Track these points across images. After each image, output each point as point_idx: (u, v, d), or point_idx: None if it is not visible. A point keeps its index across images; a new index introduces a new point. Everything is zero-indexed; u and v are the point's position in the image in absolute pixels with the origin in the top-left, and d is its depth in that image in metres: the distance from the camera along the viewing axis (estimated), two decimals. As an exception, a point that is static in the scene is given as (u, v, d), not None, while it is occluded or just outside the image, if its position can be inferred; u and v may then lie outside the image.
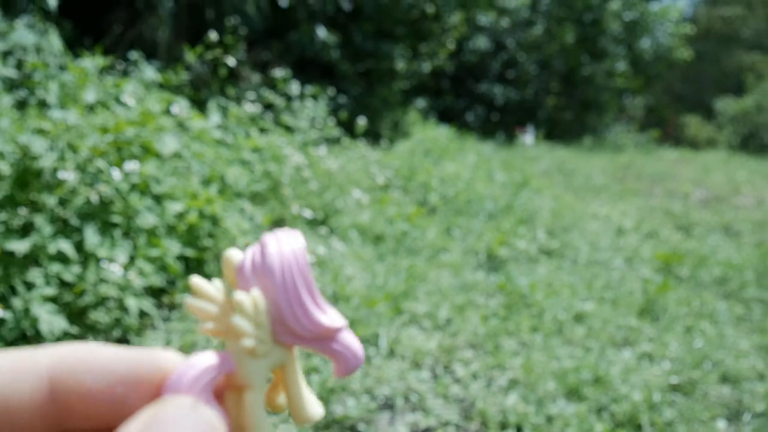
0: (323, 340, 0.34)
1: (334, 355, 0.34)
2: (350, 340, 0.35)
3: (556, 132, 15.51)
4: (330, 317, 0.34)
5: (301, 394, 0.35)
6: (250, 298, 0.31)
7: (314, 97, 5.24)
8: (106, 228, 2.47)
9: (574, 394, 2.29)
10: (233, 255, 0.33)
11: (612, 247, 4.57)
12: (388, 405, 2.14)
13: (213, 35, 3.26)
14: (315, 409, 0.35)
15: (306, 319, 0.32)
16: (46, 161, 2.30)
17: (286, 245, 0.33)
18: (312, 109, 5.18)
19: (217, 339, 0.33)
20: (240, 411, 0.32)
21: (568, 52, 15.76)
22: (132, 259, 2.42)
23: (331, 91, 6.11)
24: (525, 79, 15.63)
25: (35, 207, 2.42)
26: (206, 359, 0.30)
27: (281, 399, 0.36)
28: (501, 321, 2.88)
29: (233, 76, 7.58)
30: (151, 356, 0.31)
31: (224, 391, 0.32)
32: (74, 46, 5.03)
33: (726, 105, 17.44)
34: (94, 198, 2.35)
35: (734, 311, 3.39)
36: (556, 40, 15.76)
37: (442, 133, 8.55)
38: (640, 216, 5.83)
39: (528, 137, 11.64)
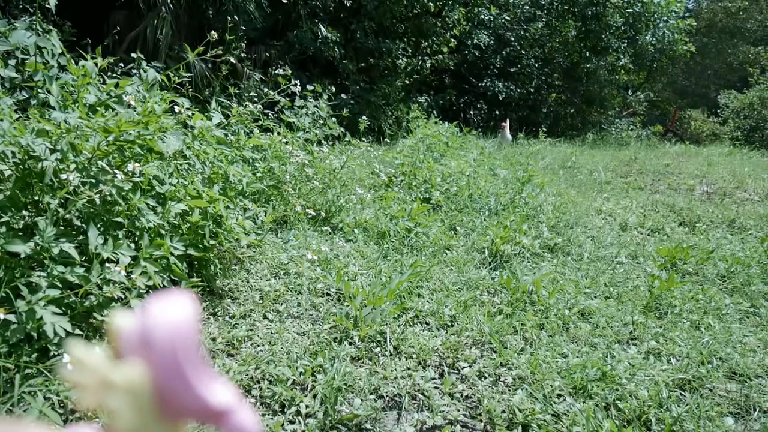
0: (211, 417, 0.32)
1: None
2: (243, 419, 0.33)
3: (559, 127, 15.47)
4: (216, 395, 0.32)
5: None
6: (129, 377, 0.30)
7: (316, 94, 5.22)
8: (109, 229, 2.46)
9: (580, 391, 2.27)
10: (119, 322, 0.31)
11: (616, 243, 4.55)
12: (395, 404, 2.14)
13: (214, 34, 3.25)
14: None
15: (191, 396, 0.31)
16: (48, 163, 2.29)
17: (173, 316, 0.31)
18: (314, 107, 5.16)
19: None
20: None
21: (570, 46, 15.72)
22: (136, 260, 2.41)
23: (332, 88, 6.09)
24: (527, 75, 15.58)
25: (38, 208, 2.41)
26: None
27: None
28: (506, 318, 2.87)
29: (235, 75, 7.56)
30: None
31: None
32: (75, 47, 5.02)
33: (729, 99, 17.37)
34: (97, 199, 2.34)
35: (740, 306, 3.37)
36: (557, 35, 15.71)
37: (444, 130, 8.52)
38: (644, 211, 5.81)
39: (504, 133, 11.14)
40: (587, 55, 15.57)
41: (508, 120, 10.30)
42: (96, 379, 0.30)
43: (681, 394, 2.36)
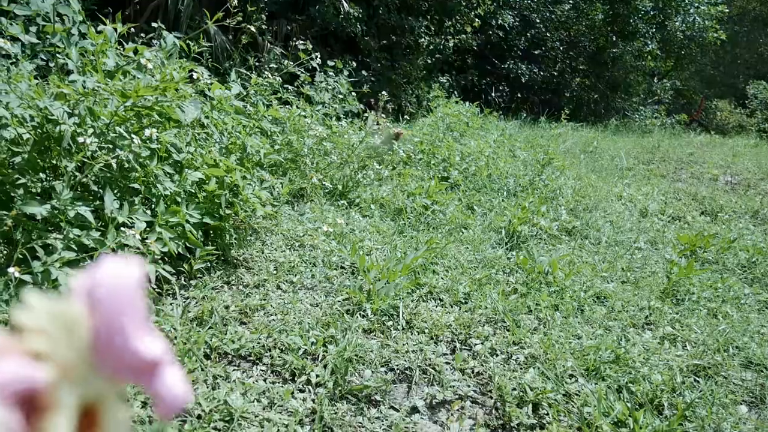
0: (144, 374, 0.32)
1: (155, 394, 0.33)
2: (173, 380, 0.33)
3: (582, 112, 15.27)
4: (148, 347, 0.32)
5: None
6: (64, 317, 0.31)
7: (336, 70, 5.18)
8: (126, 194, 2.47)
9: (593, 372, 2.25)
10: (75, 276, 0.32)
11: (635, 228, 4.49)
12: (405, 377, 2.13)
13: (234, 1, 3.22)
14: None
15: (125, 347, 0.31)
16: (66, 127, 2.29)
17: (118, 275, 0.31)
18: (334, 83, 5.13)
19: None
20: None
21: (596, 30, 15.45)
22: (151, 226, 2.41)
23: (353, 64, 6.03)
24: (551, 58, 15.36)
25: (55, 172, 2.42)
26: (12, 366, 0.29)
27: None
28: (520, 298, 2.84)
29: (255, 48, 7.54)
30: None
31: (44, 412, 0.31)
32: (96, 15, 5.02)
33: (759, 89, 16.99)
34: (114, 164, 2.34)
35: (760, 297, 3.31)
36: (584, 18, 15.45)
37: (464, 110, 8.44)
38: (665, 199, 5.72)
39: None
40: (614, 39, 15.30)
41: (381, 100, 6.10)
42: (40, 320, 0.31)
43: (695, 380, 2.32)
